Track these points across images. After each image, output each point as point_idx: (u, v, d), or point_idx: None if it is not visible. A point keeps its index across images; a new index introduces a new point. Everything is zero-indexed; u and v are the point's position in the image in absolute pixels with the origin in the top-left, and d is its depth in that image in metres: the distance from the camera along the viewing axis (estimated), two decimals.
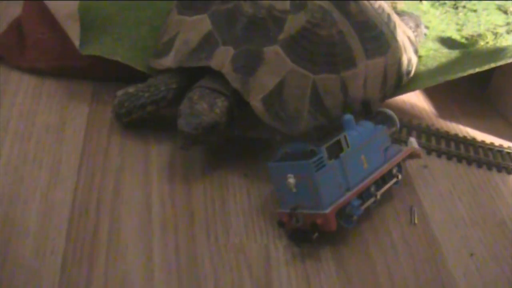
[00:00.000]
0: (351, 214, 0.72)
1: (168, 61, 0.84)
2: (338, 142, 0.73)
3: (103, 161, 0.83)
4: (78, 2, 0.98)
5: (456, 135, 0.92)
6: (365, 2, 0.89)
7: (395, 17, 0.95)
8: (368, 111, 0.85)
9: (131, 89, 0.85)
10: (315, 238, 0.70)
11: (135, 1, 1.03)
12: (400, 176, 0.80)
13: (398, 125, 0.85)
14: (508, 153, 0.90)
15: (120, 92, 0.85)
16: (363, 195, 0.75)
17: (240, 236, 0.74)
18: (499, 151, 0.90)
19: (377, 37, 0.88)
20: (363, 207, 0.74)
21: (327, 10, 0.83)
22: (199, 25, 0.83)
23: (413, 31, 0.99)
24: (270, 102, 0.79)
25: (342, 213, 0.72)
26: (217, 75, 0.80)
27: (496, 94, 0.99)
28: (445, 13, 1.10)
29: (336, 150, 0.73)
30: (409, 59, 0.93)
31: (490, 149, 0.90)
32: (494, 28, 1.04)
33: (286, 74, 0.80)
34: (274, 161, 0.74)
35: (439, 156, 0.89)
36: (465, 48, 1.01)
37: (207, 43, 0.82)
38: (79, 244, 0.71)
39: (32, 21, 1.02)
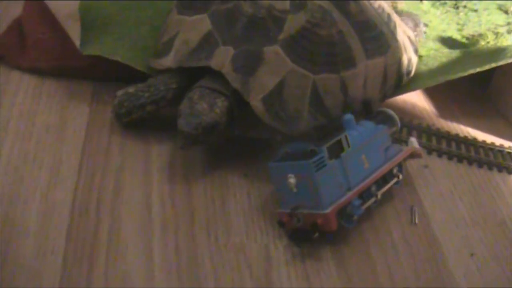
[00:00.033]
0: (352, 214, 0.72)
1: (168, 61, 0.84)
2: (339, 142, 0.73)
3: (104, 161, 0.83)
4: (78, 2, 0.98)
5: (457, 135, 0.92)
6: (365, 2, 0.89)
7: (395, 17, 0.95)
8: (368, 110, 0.85)
9: (131, 89, 0.85)
10: (315, 238, 0.70)
11: (136, 1, 1.03)
12: (400, 176, 0.79)
13: (399, 125, 0.85)
14: (509, 153, 0.90)
15: (120, 92, 0.85)
16: (364, 195, 0.74)
17: (240, 236, 0.74)
18: (500, 151, 0.90)
19: (377, 37, 0.88)
20: (363, 207, 0.73)
21: (327, 10, 0.83)
22: (199, 25, 0.83)
23: (413, 31, 0.99)
24: (270, 102, 0.79)
25: (343, 213, 0.72)
26: (217, 75, 0.80)
27: (497, 94, 0.99)
28: (445, 12, 1.10)
29: (336, 150, 0.73)
30: (409, 59, 0.93)
31: (491, 149, 0.90)
32: (495, 28, 1.04)
33: (286, 74, 0.80)
34: (274, 161, 0.74)
35: (440, 156, 0.89)
36: (466, 48, 1.01)
37: (207, 43, 0.82)
38: (79, 244, 0.71)
39: (33, 21, 1.02)
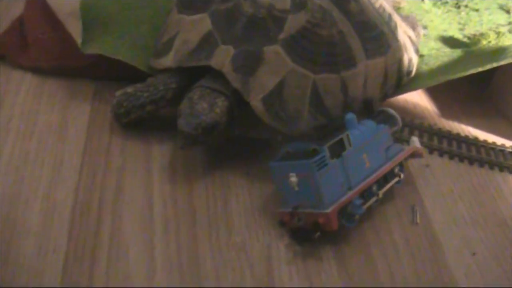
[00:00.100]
0: (353, 213, 0.72)
1: (167, 60, 0.84)
2: (340, 141, 0.73)
3: (105, 161, 0.83)
4: (79, 1, 0.98)
5: (458, 135, 0.92)
6: (366, 1, 0.89)
7: (396, 17, 0.95)
8: (369, 110, 0.85)
9: (130, 89, 0.85)
10: (317, 237, 0.70)
11: (136, 0, 1.03)
12: (402, 175, 0.80)
13: (400, 124, 0.85)
14: (510, 152, 0.89)
15: (119, 92, 0.85)
16: (365, 194, 0.75)
17: (241, 235, 0.74)
18: (501, 150, 0.90)
19: (378, 37, 0.88)
20: (365, 206, 0.73)
21: (327, 10, 0.83)
22: (199, 24, 0.83)
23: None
24: (270, 102, 0.79)
25: (344, 212, 0.72)
26: (217, 74, 0.80)
27: (498, 93, 0.99)
28: (447, 12, 1.10)
29: (338, 149, 0.73)
30: (410, 59, 0.93)
31: (492, 149, 0.90)
32: (496, 27, 1.04)
33: (286, 74, 0.80)
34: (275, 161, 0.74)
35: (441, 155, 0.89)
36: (467, 47, 1.01)
37: (207, 43, 0.82)
38: (80, 244, 0.72)
39: (34, 20, 1.02)
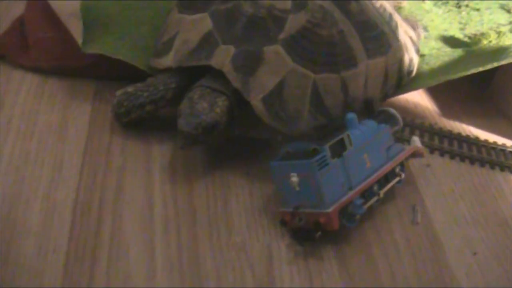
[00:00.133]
0: (354, 213, 0.72)
1: (167, 60, 0.84)
2: (341, 140, 0.73)
3: (105, 160, 0.83)
4: (80, 2, 0.98)
5: (459, 134, 0.92)
6: (366, 1, 0.89)
7: (396, 17, 0.95)
8: (370, 110, 0.85)
9: (130, 89, 0.85)
10: (317, 237, 0.70)
11: (136, 0, 1.03)
12: (402, 175, 0.80)
13: (401, 124, 0.85)
14: (511, 152, 0.89)
15: (119, 92, 0.85)
16: (366, 194, 0.74)
17: (242, 235, 0.74)
18: (502, 150, 0.90)
19: (378, 37, 0.88)
20: (365, 206, 0.73)
21: (327, 10, 0.83)
22: (199, 24, 0.83)
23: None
24: (270, 102, 0.79)
25: (345, 212, 0.72)
26: (217, 74, 0.80)
27: (498, 93, 0.99)
28: (448, 12, 1.10)
29: (339, 149, 0.72)
30: (411, 59, 0.93)
31: (493, 148, 0.90)
32: (497, 27, 1.04)
33: (286, 74, 0.80)
34: (276, 160, 0.74)
35: (441, 155, 0.89)
36: (468, 47, 1.01)
37: (207, 43, 0.82)
38: (81, 244, 0.71)
39: (35, 20, 1.02)
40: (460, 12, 1.09)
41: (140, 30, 0.97)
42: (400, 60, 0.90)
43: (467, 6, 1.11)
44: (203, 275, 0.69)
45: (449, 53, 1.00)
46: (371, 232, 0.76)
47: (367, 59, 0.85)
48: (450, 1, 1.12)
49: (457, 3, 1.11)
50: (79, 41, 0.91)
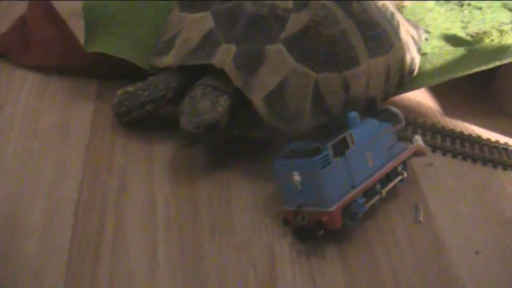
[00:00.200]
0: (356, 212, 0.72)
1: (168, 59, 0.84)
2: (344, 139, 0.73)
3: (108, 160, 0.83)
4: (82, 1, 0.99)
5: (461, 133, 0.91)
6: (369, 1, 0.89)
7: (398, 16, 0.95)
8: (372, 109, 0.85)
9: (131, 88, 0.85)
10: (320, 236, 0.70)
11: (137, 0, 1.03)
12: (405, 174, 0.79)
13: (403, 123, 0.85)
14: None
15: (120, 91, 0.85)
16: (368, 193, 0.74)
17: (244, 234, 0.74)
18: (504, 149, 0.90)
19: (380, 36, 0.87)
20: (368, 205, 0.73)
21: (329, 9, 0.83)
22: (200, 23, 0.83)
23: None
24: (271, 102, 0.79)
25: (347, 210, 0.72)
26: (218, 73, 0.80)
27: (500, 92, 0.99)
28: (450, 10, 1.10)
29: (341, 148, 0.72)
30: (412, 58, 0.93)
31: (495, 147, 0.90)
32: (499, 26, 1.04)
33: (288, 73, 0.79)
34: (278, 159, 0.74)
35: (444, 154, 0.89)
36: (470, 46, 1.01)
37: (208, 42, 0.82)
38: (83, 242, 0.71)
39: (37, 20, 1.02)
40: (462, 11, 1.09)
41: (141, 29, 0.97)
42: (402, 59, 0.90)
43: (469, 4, 1.10)
44: (205, 274, 0.69)
45: (451, 52, 1.00)
46: (373, 231, 0.76)
47: (369, 58, 0.85)
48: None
49: (459, 2, 1.11)
50: (81, 40, 0.91)
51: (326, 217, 0.69)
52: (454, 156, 0.88)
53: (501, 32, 1.01)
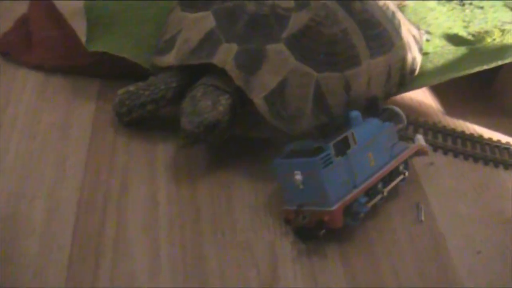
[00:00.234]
0: (358, 212, 0.71)
1: (169, 58, 0.84)
2: (345, 139, 0.73)
3: (109, 159, 0.83)
4: (83, 1, 0.99)
5: (462, 132, 0.91)
6: (370, 0, 0.89)
7: (399, 15, 0.94)
8: (373, 108, 0.85)
9: (131, 88, 0.85)
10: (321, 235, 0.70)
11: (138, 0, 1.03)
12: (406, 173, 0.79)
13: (405, 122, 0.85)
14: None
15: (121, 91, 0.85)
16: (370, 192, 0.74)
17: (246, 233, 0.74)
18: (506, 148, 0.89)
19: (381, 35, 0.87)
20: (369, 204, 0.73)
21: (331, 8, 0.83)
22: (201, 22, 0.83)
23: None
24: (272, 101, 0.79)
25: (349, 210, 0.71)
26: (219, 72, 0.80)
27: (502, 91, 0.99)
28: (451, 9, 1.10)
29: (343, 147, 0.72)
30: (414, 58, 0.93)
31: (497, 147, 0.90)
32: (501, 25, 1.03)
33: (289, 72, 0.79)
34: (279, 159, 0.74)
35: (445, 153, 0.89)
36: (472, 45, 1.01)
37: (209, 41, 0.82)
38: (85, 242, 0.72)
39: (39, 19, 1.03)
40: (464, 10, 1.09)
41: (142, 29, 0.97)
42: (403, 59, 0.90)
43: (470, 4, 1.10)
44: (207, 274, 0.69)
45: (452, 51, 1.00)
46: (375, 230, 0.76)
47: (370, 58, 0.85)
48: None
49: (461, 1, 1.11)
50: (83, 39, 0.91)
51: (327, 217, 0.69)
52: (456, 155, 0.88)
53: (503, 31, 1.01)
